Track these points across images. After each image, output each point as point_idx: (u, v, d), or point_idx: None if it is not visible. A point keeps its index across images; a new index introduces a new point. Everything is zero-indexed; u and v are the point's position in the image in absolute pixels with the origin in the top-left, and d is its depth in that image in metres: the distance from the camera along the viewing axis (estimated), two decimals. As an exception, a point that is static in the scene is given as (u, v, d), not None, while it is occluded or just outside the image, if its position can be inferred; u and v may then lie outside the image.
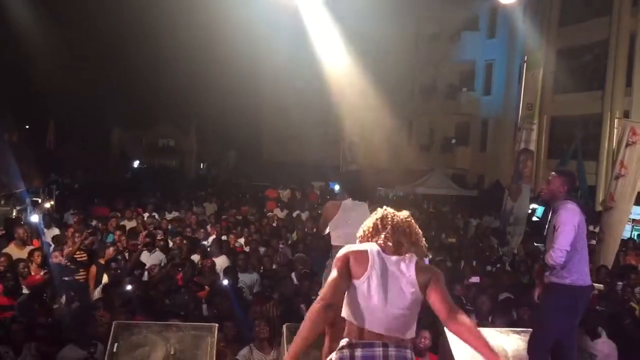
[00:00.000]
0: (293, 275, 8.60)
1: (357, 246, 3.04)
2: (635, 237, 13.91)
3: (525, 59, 12.50)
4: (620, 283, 9.06)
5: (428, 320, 6.06)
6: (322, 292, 2.90)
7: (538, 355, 4.65)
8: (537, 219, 16.97)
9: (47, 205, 14.48)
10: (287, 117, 35.12)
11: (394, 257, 2.96)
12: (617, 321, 6.86)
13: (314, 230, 13.26)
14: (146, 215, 13.33)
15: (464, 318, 2.85)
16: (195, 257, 9.23)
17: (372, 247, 3.01)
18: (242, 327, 6.11)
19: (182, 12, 27.84)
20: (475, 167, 29.02)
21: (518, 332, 5.40)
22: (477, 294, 7.52)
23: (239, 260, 8.64)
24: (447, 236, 13.80)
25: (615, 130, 10.72)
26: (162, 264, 8.78)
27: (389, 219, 3.12)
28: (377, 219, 3.15)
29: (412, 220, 3.19)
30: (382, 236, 3.02)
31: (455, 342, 4.94)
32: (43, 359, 5.44)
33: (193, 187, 24.57)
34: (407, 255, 2.99)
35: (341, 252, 2.99)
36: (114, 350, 4.50)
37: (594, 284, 8.14)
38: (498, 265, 10.59)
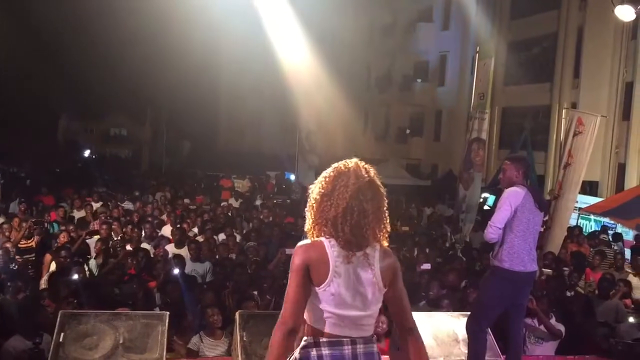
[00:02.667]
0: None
1: (313, 247, 2.61)
2: (597, 227, 14.32)
3: (478, 49, 12.68)
4: (566, 269, 9.36)
5: (384, 305, 6.10)
6: (282, 313, 2.56)
7: (474, 335, 4.71)
8: (488, 208, 17.36)
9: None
10: (243, 106, 34.86)
11: (357, 254, 2.59)
12: (564, 306, 7.07)
13: (270, 218, 13.27)
14: (95, 204, 13.04)
15: (418, 336, 2.75)
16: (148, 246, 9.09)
17: (329, 244, 2.60)
18: (195, 315, 6.05)
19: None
20: (429, 157, 29.43)
21: (467, 315, 5.51)
22: (428, 281, 7.62)
23: (190, 250, 8.54)
24: (401, 225, 13.96)
25: (563, 121, 11.01)
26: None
27: (357, 204, 2.60)
28: (332, 207, 2.61)
29: (377, 190, 2.68)
30: (340, 232, 2.59)
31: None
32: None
33: (146, 177, 24.15)
34: (369, 249, 2.62)
35: (296, 256, 2.60)
36: (60, 340, 4.37)
37: (543, 269, 8.43)
38: (450, 253, 10.76)
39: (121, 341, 4.49)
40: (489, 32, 20.53)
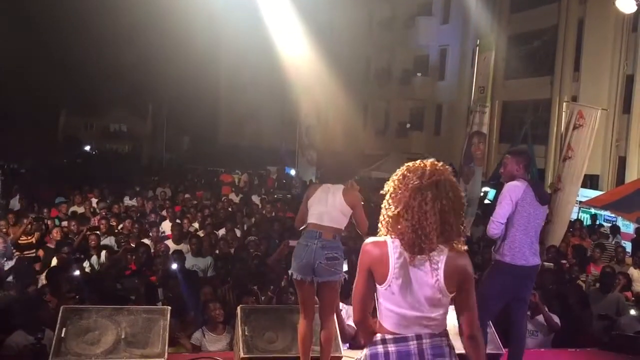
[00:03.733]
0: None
1: (376, 246, 2.63)
2: (600, 221, 14.32)
3: (478, 42, 12.66)
4: (564, 261, 9.37)
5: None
6: (353, 312, 2.72)
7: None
8: (489, 202, 17.36)
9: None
10: (243, 101, 34.81)
11: (420, 257, 2.55)
12: (564, 299, 7.07)
13: (273, 214, 13.28)
14: (94, 200, 13.09)
15: (479, 342, 2.69)
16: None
17: (392, 244, 2.59)
18: (196, 310, 6.05)
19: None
20: (429, 151, 29.33)
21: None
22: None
23: (191, 245, 8.55)
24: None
25: (564, 114, 11.02)
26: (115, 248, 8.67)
27: (417, 205, 2.54)
28: (394, 205, 2.59)
29: (443, 191, 2.57)
30: (404, 230, 2.55)
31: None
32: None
33: (147, 173, 24.15)
34: (434, 252, 2.56)
35: (361, 254, 2.66)
36: (62, 335, 4.38)
37: (544, 263, 8.43)
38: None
39: (123, 336, 4.49)
40: (489, 26, 20.46)
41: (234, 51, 33.79)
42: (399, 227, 2.57)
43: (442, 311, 2.61)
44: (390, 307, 2.59)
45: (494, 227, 4.58)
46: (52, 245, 8.37)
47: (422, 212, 2.54)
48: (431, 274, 2.55)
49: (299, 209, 4.65)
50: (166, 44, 33.39)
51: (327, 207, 4.34)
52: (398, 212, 2.58)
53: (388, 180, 2.71)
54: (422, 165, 2.65)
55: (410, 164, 2.67)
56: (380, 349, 2.61)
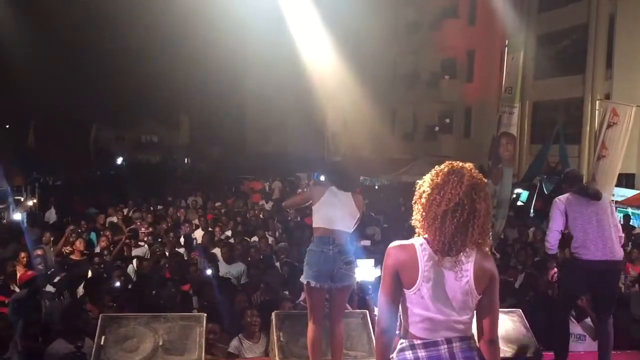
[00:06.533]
0: (277, 264, 8.63)
1: (404, 249, 2.55)
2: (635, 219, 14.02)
3: (506, 43, 12.51)
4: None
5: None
6: (378, 319, 2.58)
7: (556, 319, 5.27)
8: (522, 204, 17.13)
9: (30, 203, 14.35)
10: (270, 108, 35.04)
11: (449, 259, 2.50)
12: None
13: (298, 219, 13.30)
14: (125, 210, 13.31)
15: (498, 347, 2.65)
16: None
17: (420, 247, 2.53)
18: (231, 317, 6.09)
19: (163, 5, 27.55)
20: (459, 154, 28.96)
21: (505, 313, 5.46)
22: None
23: (223, 253, 8.61)
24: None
25: (597, 113, 10.83)
26: (146, 257, 8.78)
27: (462, 205, 2.47)
28: (443, 202, 2.49)
29: (487, 195, 2.54)
30: (445, 230, 2.47)
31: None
32: (29, 356, 5.37)
33: (178, 182, 24.44)
34: (464, 254, 2.51)
35: (388, 258, 2.55)
36: (102, 343, 4.47)
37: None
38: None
39: (160, 343, 4.57)
40: (517, 26, 20.23)
41: (261, 60, 34.02)
42: (444, 224, 2.47)
43: (471, 314, 2.57)
44: (418, 312, 2.51)
45: (549, 236, 5.26)
46: (76, 257, 8.51)
47: (474, 210, 2.48)
48: (462, 277, 2.51)
49: (298, 195, 4.98)
50: (194, 56, 33.85)
51: (339, 212, 4.38)
52: (449, 207, 2.48)
53: (419, 182, 2.62)
54: (463, 165, 2.58)
55: (452, 162, 2.60)
56: (409, 355, 2.53)
